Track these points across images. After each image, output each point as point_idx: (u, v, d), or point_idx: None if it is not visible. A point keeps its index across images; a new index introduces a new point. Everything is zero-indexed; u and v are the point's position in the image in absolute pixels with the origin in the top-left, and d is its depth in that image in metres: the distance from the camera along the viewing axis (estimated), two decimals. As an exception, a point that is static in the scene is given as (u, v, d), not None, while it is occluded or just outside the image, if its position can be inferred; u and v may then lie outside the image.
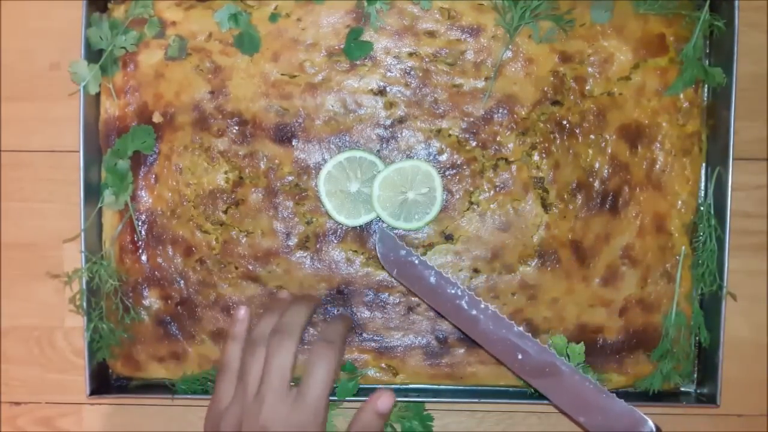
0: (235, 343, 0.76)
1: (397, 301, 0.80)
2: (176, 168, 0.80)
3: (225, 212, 0.80)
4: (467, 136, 0.80)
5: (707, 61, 0.81)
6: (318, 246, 0.80)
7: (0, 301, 0.87)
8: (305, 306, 0.76)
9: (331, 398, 0.80)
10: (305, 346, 0.79)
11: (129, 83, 0.80)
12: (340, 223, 0.80)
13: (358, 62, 0.80)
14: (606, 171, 0.79)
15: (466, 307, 0.75)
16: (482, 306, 0.75)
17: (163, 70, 0.80)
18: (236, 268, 0.80)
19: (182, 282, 0.81)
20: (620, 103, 0.79)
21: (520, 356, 0.74)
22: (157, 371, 0.82)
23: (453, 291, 0.76)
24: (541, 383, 0.74)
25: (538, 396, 0.79)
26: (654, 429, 0.71)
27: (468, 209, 0.80)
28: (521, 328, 0.75)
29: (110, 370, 0.83)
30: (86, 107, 0.79)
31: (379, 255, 0.78)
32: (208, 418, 0.74)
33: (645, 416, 0.71)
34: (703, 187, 0.81)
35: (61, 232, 0.83)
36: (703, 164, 0.81)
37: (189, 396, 0.81)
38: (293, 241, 0.80)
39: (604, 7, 0.78)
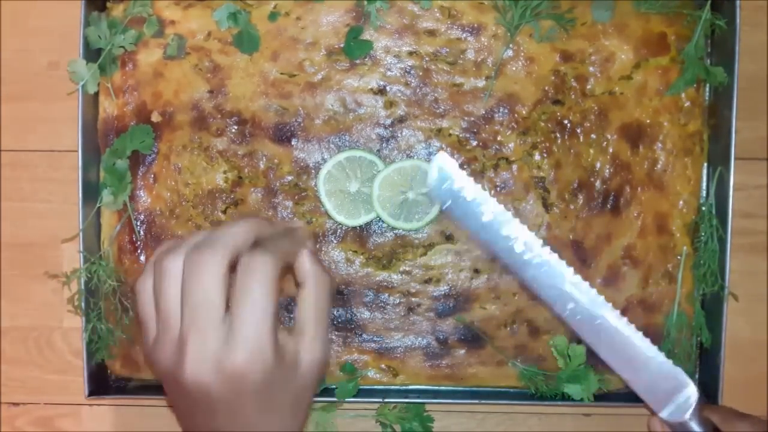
0: (143, 277, 0.54)
1: (397, 301, 0.80)
2: (175, 168, 0.80)
3: (224, 212, 0.80)
4: (468, 135, 0.79)
5: (708, 61, 0.80)
6: (318, 246, 0.80)
7: (-2, 301, 0.87)
8: (246, 222, 0.53)
9: (331, 399, 0.80)
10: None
11: (128, 82, 0.80)
12: (339, 223, 0.80)
13: (357, 61, 0.79)
14: (607, 171, 0.79)
15: (519, 250, 0.68)
16: (538, 250, 0.68)
17: (161, 69, 0.80)
18: (235, 268, 0.80)
19: (181, 282, 0.80)
20: (621, 103, 0.79)
21: (571, 305, 0.69)
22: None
23: (507, 232, 0.68)
24: (589, 335, 0.69)
25: (539, 397, 0.79)
26: (696, 395, 0.68)
27: (468, 209, 0.80)
28: (579, 276, 0.69)
29: (109, 371, 0.82)
30: (85, 107, 0.79)
31: (429, 184, 0.68)
32: (144, 354, 0.61)
33: (689, 380, 0.68)
34: (704, 187, 0.81)
35: (60, 232, 0.83)
36: (705, 164, 0.81)
37: (188, 397, 0.80)
38: (293, 241, 0.80)
39: (605, 6, 0.78)
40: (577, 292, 0.69)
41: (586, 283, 0.69)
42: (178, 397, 0.53)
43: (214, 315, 0.50)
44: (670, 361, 0.68)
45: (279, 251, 0.52)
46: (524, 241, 0.68)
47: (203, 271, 0.50)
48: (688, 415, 0.68)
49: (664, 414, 0.68)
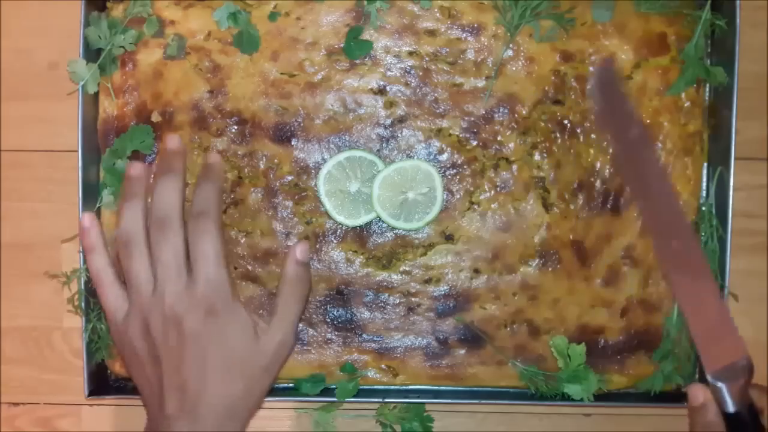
0: (95, 254, 0.70)
1: (398, 301, 0.80)
2: (175, 168, 0.80)
3: (224, 212, 0.80)
4: (468, 135, 0.79)
5: (709, 61, 0.80)
6: (317, 246, 0.80)
7: (-2, 301, 0.87)
8: (172, 174, 0.70)
9: (330, 399, 0.80)
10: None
11: (128, 82, 0.80)
12: (339, 223, 0.80)
13: (357, 61, 0.79)
14: (607, 171, 0.79)
15: (652, 175, 0.70)
16: (668, 183, 0.71)
17: (161, 69, 0.80)
18: (235, 268, 0.80)
19: (181, 282, 0.80)
20: (621, 103, 0.79)
21: (675, 243, 0.68)
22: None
23: (649, 155, 0.71)
24: (680, 280, 0.68)
25: (539, 397, 0.79)
26: (751, 365, 0.67)
27: (468, 209, 0.80)
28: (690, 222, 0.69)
29: (109, 371, 0.82)
30: (85, 107, 0.79)
31: (594, 83, 0.73)
32: (112, 335, 0.71)
33: (747, 352, 0.67)
34: (704, 187, 0.81)
35: (60, 232, 0.83)
36: (705, 164, 0.81)
37: (188, 397, 0.80)
38: (293, 241, 0.80)
39: (605, 6, 0.78)
40: (685, 233, 0.69)
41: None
42: (140, 344, 0.67)
43: (183, 269, 0.66)
44: (736, 328, 0.67)
45: (213, 208, 0.69)
46: (659, 171, 0.69)
47: (169, 247, 0.66)
48: (741, 383, 0.65)
49: (713, 374, 0.65)
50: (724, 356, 0.66)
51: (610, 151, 0.78)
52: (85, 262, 0.74)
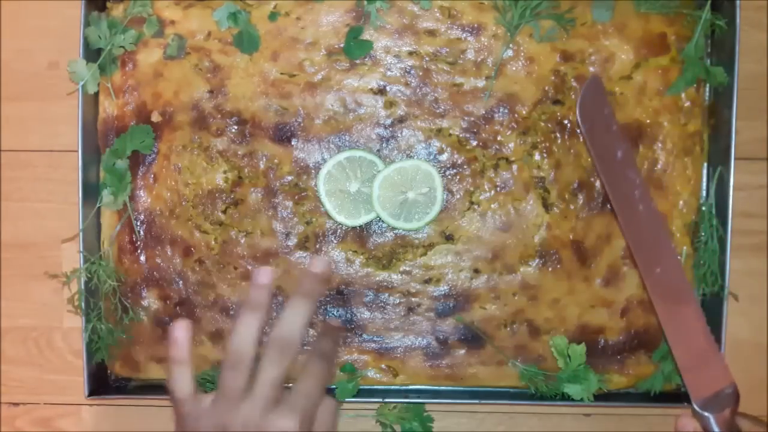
0: (182, 367, 0.66)
1: (397, 301, 0.80)
2: (175, 168, 0.80)
3: (224, 212, 0.80)
4: (468, 135, 0.79)
5: (709, 61, 0.80)
6: (318, 246, 0.80)
7: (-2, 301, 0.87)
8: (307, 302, 0.66)
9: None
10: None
11: (128, 82, 0.80)
12: (339, 223, 0.80)
13: (357, 61, 0.79)
14: (607, 171, 0.79)
15: (635, 197, 0.69)
16: (652, 204, 0.70)
17: (161, 69, 0.80)
18: (235, 268, 0.80)
19: (181, 282, 0.80)
20: (621, 103, 0.79)
21: (659, 270, 0.69)
22: (155, 372, 0.81)
23: (632, 176, 0.70)
24: (664, 308, 0.68)
25: (539, 397, 0.79)
26: (737, 394, 0.67)
27: (468, 209, 0.80)
28: (674, 246, 0.69)
29: (109, 371, 0.82)
30: (85, 107, 0.79)
31: (579, 101, 0.72)
32: (178, 421, 0.66)
33: (733, 380, 0.67)
34: (704, 187, 0.81)
35: (60, 232, 0.83)
36: (705, 164, 0.80)
37: (188, 397, 0.80)
38: (293, 242, 0.80)
39: (605, 6, 0.78)
40: (669, 260, 0.68)
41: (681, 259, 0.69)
42: None
43: (276, 396, 0.62)
44: (722, 355, 0.67)
45: (331, 350, 0.66)
46: (640, 193, 0.69)
47: (276, 371, 0.62)
48: (727, 412, 0.65)
49: (699, 403, 0.65)
50: (709, 384, 0.66)
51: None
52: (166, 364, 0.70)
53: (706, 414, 0.66)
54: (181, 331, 0.65)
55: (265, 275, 0.66)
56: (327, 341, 0.69)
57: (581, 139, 0.79)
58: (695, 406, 0.66)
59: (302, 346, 0.67)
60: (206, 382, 0.80)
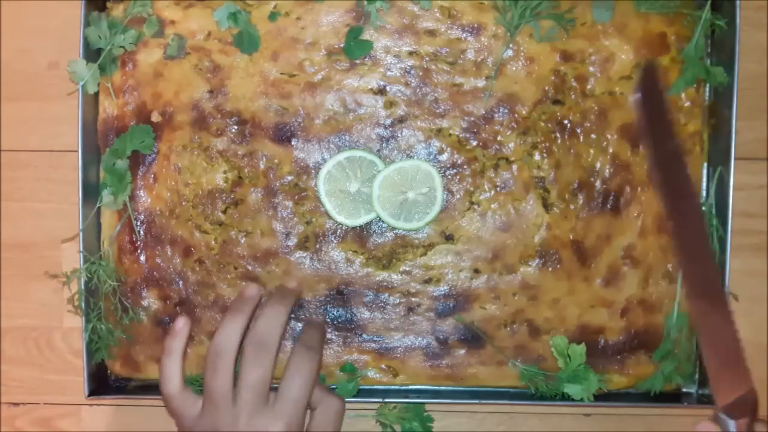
0: (171, 358, 0.71)
1: (397, 301, 0.80)
2: (175, 168, 0.80)
3: (224, 212, 0.80)
4: (468, 135, 0.79)
5: (709, 61, 0.80)
6: (318, 246, 0.80)
7: (-2, 301, 0.87)
8: (283, 307, 0.71)
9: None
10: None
11: (128, 82, 0.80)
12: (339, 223, 0.80)
13: (357, 61, 0.79)
14: (607, 171, 0.79)
15: (688, 189, 0.68)
16: (698, 200, 0.69)
17: (161, 69, 0.80)
18: (235, 268, 0.80)
19: (181, 282, 0.80)
20: (622, 103, 0.79)
21: (698, 267, 0.67)
22: (155, 372, 0.81)
23: (685, 168, 0.68)
24: (698, 307, 0.67)
25: (539, 397, 0.79)
26: (754, 398, 0.65)
27: (468, 209, 0.80)
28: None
29: (109, 371, 0.82)
30: (85, 107, 0.79)
31: (639, 86, 0.71)
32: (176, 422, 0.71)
33: (753, 385, 0.66)
34: (704, 187, 0.81)
35: (60, 232, 0.83)
36: (705, 164, 0.80)
37: (188, 397, 0.80)
38: (293, 241, 0.80)
39: (605, 6, 0.78)
40: (705, 256, 0.67)
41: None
42: None
43: (264, 397, 0.68)
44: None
45: (317, 344, 0.72)
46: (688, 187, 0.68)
47: (260, 371, 0.67)
48: (748, 418, 0.64)
49: (723, 408, 0.65)
50: (733, 389, 0.66)
51: (610, 150, 0.78)
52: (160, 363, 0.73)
53: (728, 419, 0.66)
54: (181, 323, 0.71)
55: (252, 289, 0.72)
56: (312, 333, 0.73)
57: (581, 140, 0.79)
58: (719, 412, 0.66)
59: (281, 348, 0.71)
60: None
